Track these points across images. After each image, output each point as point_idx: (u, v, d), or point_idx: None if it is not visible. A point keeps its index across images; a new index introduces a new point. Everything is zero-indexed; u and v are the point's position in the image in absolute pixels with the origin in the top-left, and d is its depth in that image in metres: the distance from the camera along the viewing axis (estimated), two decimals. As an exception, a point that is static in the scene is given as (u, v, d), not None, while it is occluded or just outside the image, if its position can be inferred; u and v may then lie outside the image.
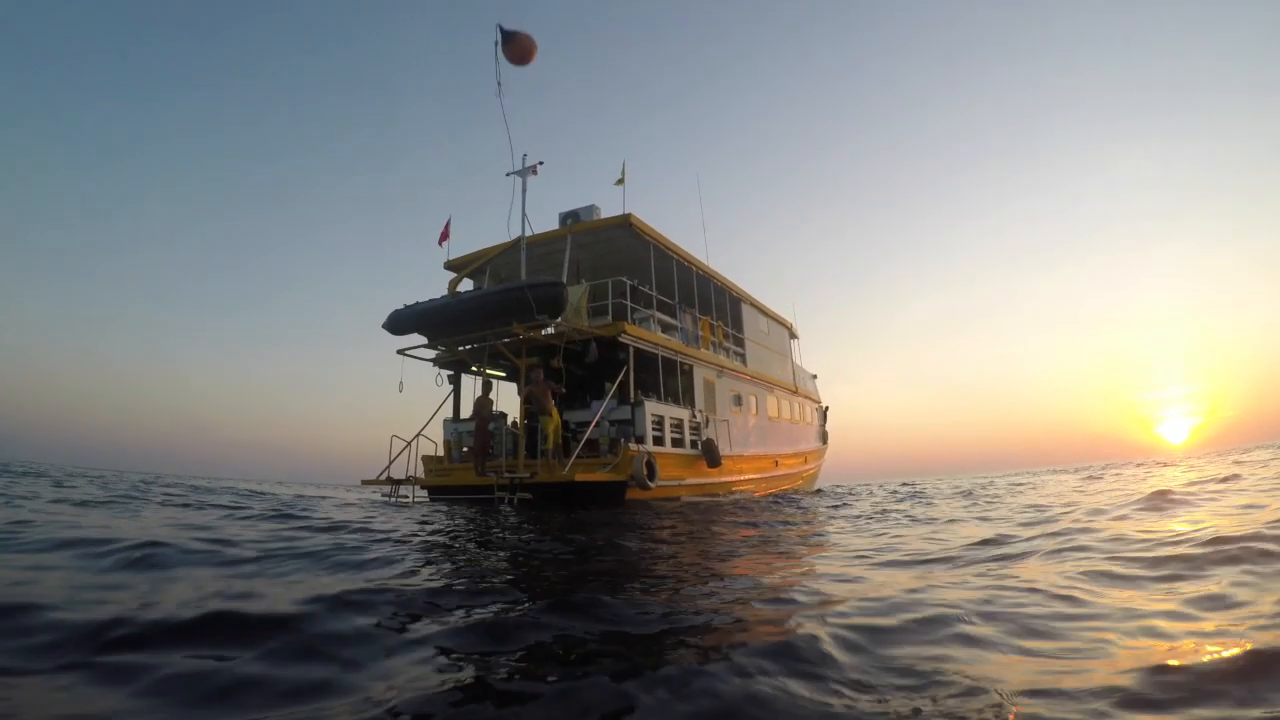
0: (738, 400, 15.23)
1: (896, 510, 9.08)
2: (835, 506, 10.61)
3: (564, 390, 10.89)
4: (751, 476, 15.10)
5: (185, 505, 7.91)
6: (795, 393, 19.24)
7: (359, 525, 5.61)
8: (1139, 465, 23.36)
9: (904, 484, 25.22)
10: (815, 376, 22.38)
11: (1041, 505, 8.32)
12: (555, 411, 10.43)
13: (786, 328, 19.78)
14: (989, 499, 10.85)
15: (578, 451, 10.02)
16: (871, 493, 15.61)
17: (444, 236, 12.91)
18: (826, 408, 22.82)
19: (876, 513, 8.73)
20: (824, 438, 22.24)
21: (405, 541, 4.53)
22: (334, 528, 5.29)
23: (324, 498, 12.13)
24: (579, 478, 9.43)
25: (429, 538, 4.94)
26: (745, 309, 16.78)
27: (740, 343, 16.41)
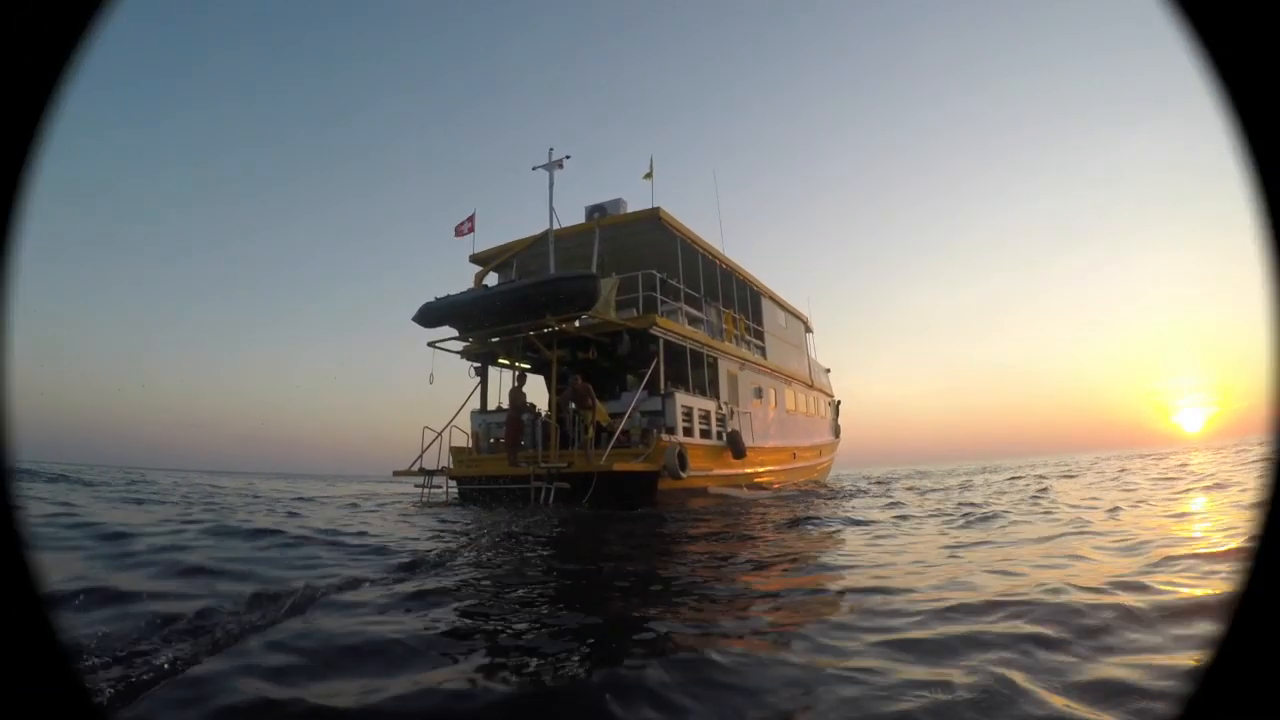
0: (758, 393, 15.36)
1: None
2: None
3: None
4: (772, 468, 15.26)
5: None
6: (811, 386, 19.38)
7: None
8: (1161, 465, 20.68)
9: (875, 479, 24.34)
10: (829, 370, 22.54)
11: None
12: (601, 407, 10.60)
13: (803, 321, 19.92)
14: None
15: (612, 442, 10.13)
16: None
17: (467, 229, 12.96)
18: (839, 402, 22.97)
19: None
20: (836, 431, 22.40)
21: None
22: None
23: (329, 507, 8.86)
24: (617, 467, 9.55)
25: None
26: (765, 303, 16.91)
27: (760, 336, 16.54)
